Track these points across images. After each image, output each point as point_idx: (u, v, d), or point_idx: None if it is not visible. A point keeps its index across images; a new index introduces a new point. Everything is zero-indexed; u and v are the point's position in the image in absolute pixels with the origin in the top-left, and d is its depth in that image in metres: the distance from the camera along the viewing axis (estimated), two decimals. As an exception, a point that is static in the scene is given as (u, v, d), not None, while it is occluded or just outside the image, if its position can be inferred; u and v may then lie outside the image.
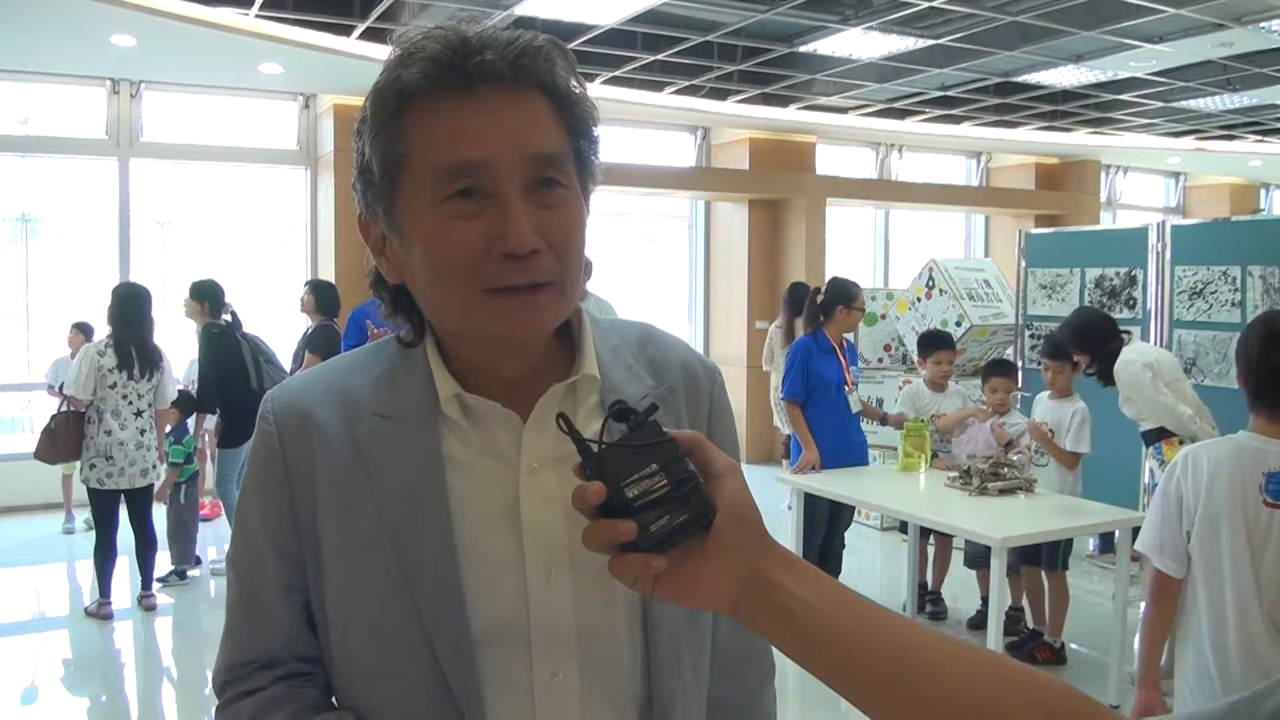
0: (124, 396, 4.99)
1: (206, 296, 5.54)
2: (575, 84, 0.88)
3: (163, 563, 5.69)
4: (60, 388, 5.42)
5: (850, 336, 5.32)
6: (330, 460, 0.92)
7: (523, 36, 0.85)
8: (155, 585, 5.39)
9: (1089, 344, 4.25)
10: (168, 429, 5.45)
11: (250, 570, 0.95)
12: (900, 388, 6.96)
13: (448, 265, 0.84)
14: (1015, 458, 4.52)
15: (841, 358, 4.95)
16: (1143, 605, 2.39)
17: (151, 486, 5.18)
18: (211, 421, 5.86)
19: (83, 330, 6.45)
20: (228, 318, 5.57)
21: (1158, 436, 4.21)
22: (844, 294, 4.98)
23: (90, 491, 5.07)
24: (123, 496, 5.06)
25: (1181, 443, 4.12)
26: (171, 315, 6.72)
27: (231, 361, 5.47)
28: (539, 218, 0.83)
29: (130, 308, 5.05)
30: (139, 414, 5.05)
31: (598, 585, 0.91)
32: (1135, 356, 4.19)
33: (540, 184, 0.84)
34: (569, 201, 0.87)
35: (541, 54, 0.86)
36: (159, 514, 5.35)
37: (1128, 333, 4.47)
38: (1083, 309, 4.70)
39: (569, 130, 0.88)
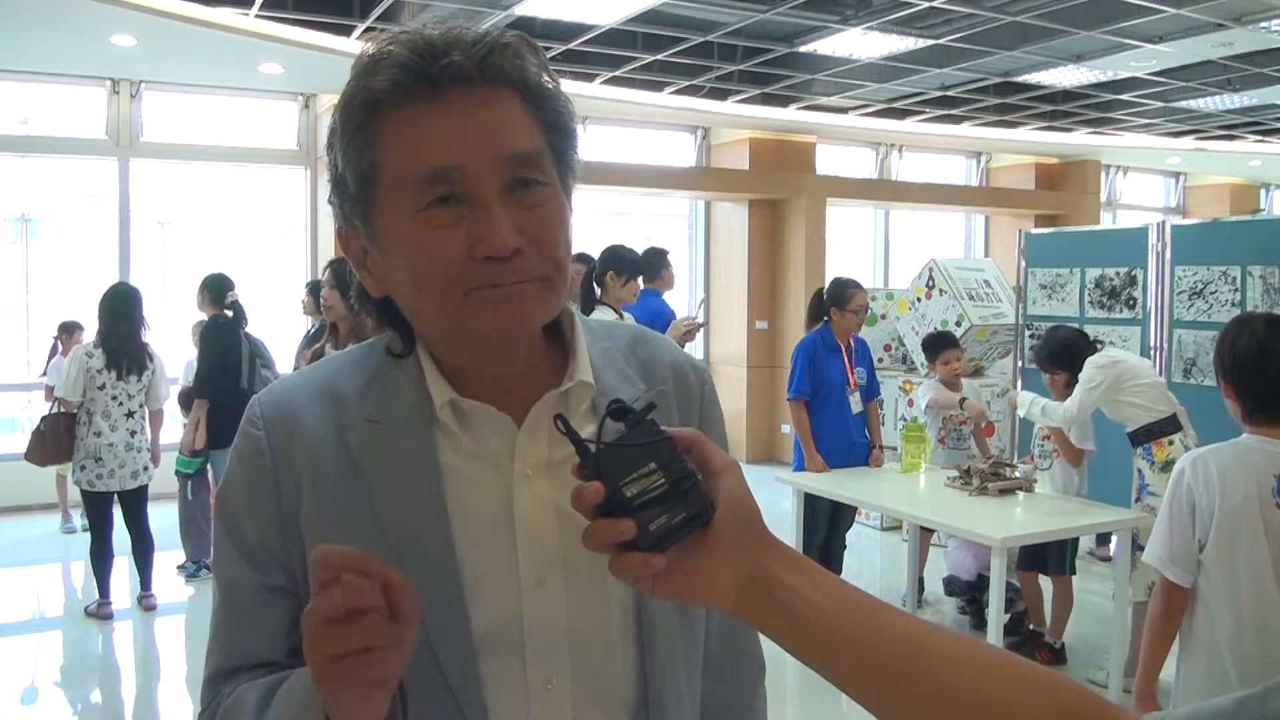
0: (114, 397, 4.97)
1: (206, 288, 5.59)
2: (547, 80, 0.87)
3: (179, 557, 5.80)
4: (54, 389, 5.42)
5: (861, 336, 5.24)
6: (319, 464, 0.90)
7: (489, 34, 0.84)
8: (175, 572, 5.49)
9: (1066, 363, 4.35)
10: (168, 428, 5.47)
11: (238, 573, 0.92)
12: (900, 388, 6.97)
13: (429, 274, 0.82)
14: (1022, 467, 4.55)
15: (846, 358, 4.89)
16: (1148, 616, 2.34)
17: (145, 488, 5.14)
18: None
19: (68, 330, 6.52)
20: (228, 311, 5.57)
21: (1145, 437, 4.22)
22: (835, 297, 4.91)
23: (83, 493, 5.06)
24: (116, 498, 5.05)
25: (1170, 444, 4.16)
26: (170, 315, 6.73)
27: (227, 354, 5.46)
28: (520, 218, 0.82)
29: (118, 306, 5.04)
30: (130, 415, 5.03)
31: (591, 591, 0.90)
32: (1101, 360, 4.25)
33: (519, 185, 0.83)
34: (550, 199, 0.86)
35: (510, 51, 0.84)
36: (156, 514, 5.34)
37: (1099, 342, 4.52)
38: (1057, 328, 4.72)
39: (545, 127, 0.86)
